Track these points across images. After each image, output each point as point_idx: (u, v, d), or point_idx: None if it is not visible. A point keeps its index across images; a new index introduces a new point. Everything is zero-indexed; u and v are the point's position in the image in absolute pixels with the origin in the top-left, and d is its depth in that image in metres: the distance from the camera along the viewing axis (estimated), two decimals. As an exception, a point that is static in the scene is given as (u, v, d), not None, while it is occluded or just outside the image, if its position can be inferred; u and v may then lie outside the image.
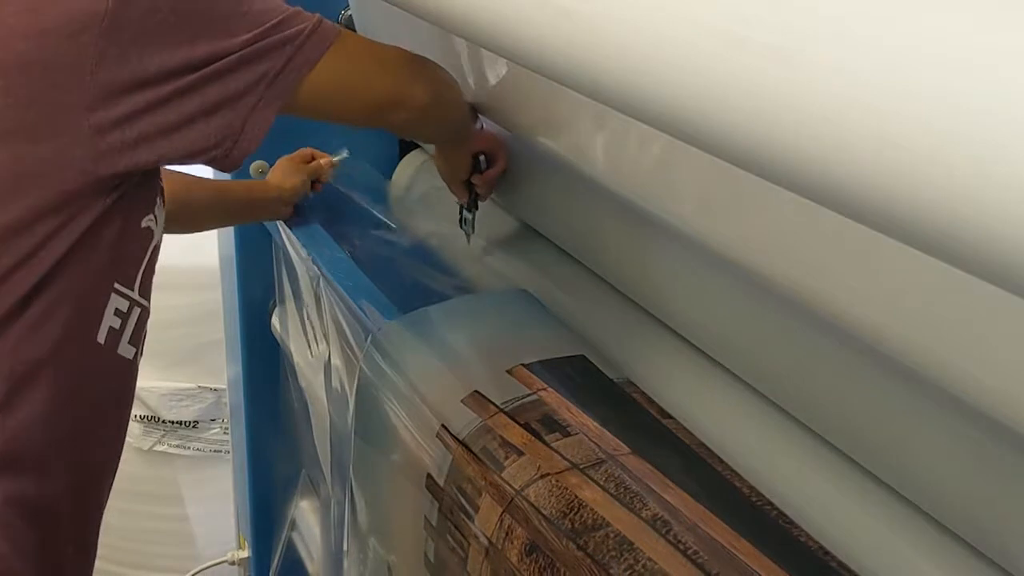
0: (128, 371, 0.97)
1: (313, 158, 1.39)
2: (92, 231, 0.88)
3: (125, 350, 0.95)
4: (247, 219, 1.44)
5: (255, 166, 1.46)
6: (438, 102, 1.05)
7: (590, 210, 1.09)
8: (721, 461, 0.84)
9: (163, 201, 0.97)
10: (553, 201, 1.18)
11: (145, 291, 0.96)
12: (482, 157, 1.19)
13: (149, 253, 0.95)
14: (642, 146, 0.87)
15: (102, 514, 1.00)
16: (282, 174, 1.37)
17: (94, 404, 0.94)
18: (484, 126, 1.18)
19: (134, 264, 0.94)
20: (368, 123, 1.17)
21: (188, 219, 1.26)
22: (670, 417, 0.91)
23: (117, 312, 0.92)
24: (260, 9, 0.91)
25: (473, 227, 1.26)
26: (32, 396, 0.88)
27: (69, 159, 0.85)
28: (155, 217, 0.95)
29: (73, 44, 0.83)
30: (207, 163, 0.92)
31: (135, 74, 0.85)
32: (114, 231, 0.90)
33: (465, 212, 1.25)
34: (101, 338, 0.91)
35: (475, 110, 1.16)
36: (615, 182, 0.94)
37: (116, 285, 0.92)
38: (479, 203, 1.24)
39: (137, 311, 0.95)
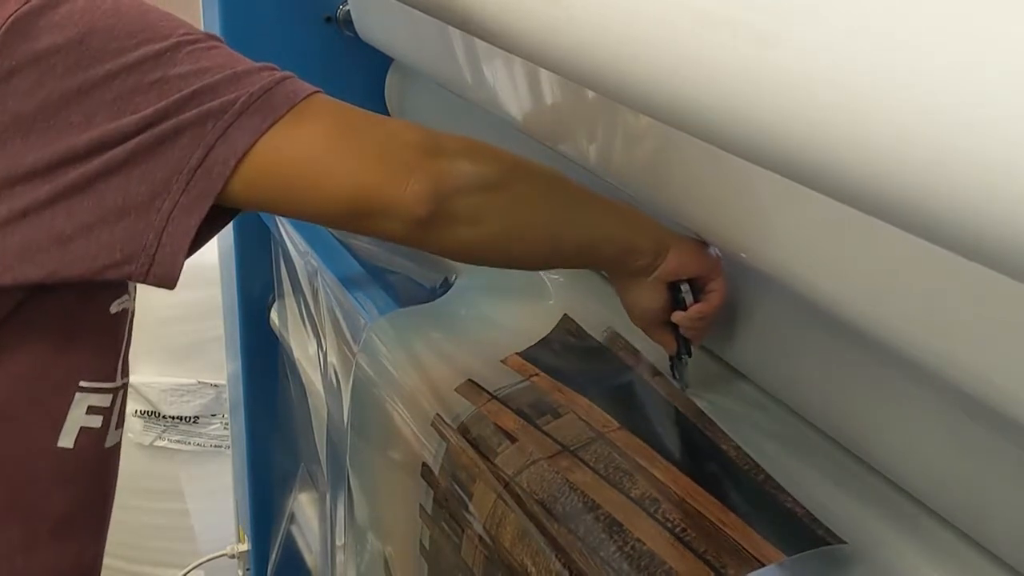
0: (116, 457, 0.83)
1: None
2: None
3: (112, 438, 0.80)
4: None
5: None
6: (457, 213, 0.71)
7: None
8: (712, 423, 0.84)
9: None
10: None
11: (126, 368, 0.80)
12: (684, 286, 0.83)
13: (127, 331, 0.79)
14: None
15: None
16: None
17: (74, 509, 0.79)
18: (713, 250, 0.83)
19: (109, 354, 0.77)
20: (351, 231, 0.80)
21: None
22: (659, 374, 0.91)
23: (93, 410, 0.76)
24: (182, 73, 0.65)
25: (687, 381, 0.89)
26: None
27: None
28: (131, 294, 0.78)
29: None
30: (127, 279, 0.71)
31: (10, 166, 0.65)
32: (52, 338, 0.73)
33: (675, 359, 0.88)
34: (68, 443, 0.76)
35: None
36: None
37: (83, 383, 0.75)
38: (692, 349, 0.87)
39: (121, 393, 0.80)
